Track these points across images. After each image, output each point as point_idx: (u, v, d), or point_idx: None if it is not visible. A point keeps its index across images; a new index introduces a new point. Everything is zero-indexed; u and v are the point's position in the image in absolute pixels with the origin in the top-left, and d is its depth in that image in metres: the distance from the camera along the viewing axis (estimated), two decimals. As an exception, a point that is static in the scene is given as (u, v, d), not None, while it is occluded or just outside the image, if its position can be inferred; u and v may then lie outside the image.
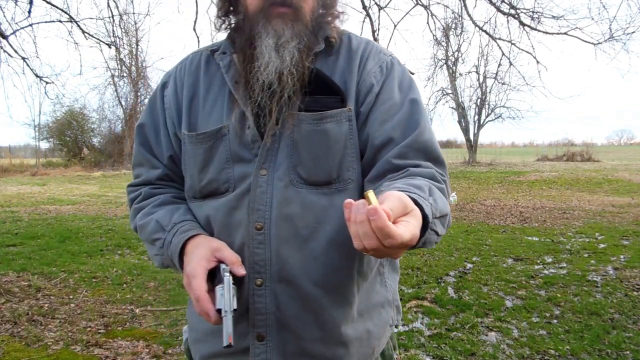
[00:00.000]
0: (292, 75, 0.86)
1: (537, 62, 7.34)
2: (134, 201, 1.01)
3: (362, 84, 0.91)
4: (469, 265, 4.91)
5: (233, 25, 0.98)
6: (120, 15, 7.97)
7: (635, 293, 3.96)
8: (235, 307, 0.78)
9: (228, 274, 0.80)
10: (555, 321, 3.38)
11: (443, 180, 0.86)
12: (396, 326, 1.05)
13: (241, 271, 0.83)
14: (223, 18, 0.98)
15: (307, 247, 0.87)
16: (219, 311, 0.78)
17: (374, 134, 0.89)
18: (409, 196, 0.68)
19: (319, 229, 0.87)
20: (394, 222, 0.61)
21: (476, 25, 7.03)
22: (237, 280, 0.83)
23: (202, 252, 0.84)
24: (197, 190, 0.94)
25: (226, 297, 0.77)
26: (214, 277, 0.83)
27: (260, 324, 0.88)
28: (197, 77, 0.98)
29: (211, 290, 0.81)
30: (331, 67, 0.93)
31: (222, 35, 1.01)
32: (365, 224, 0.59)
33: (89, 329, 3.24)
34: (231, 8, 0.96)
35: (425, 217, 0.68)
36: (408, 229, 0.61)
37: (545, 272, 4.66)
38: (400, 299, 3.75)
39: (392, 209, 0.61)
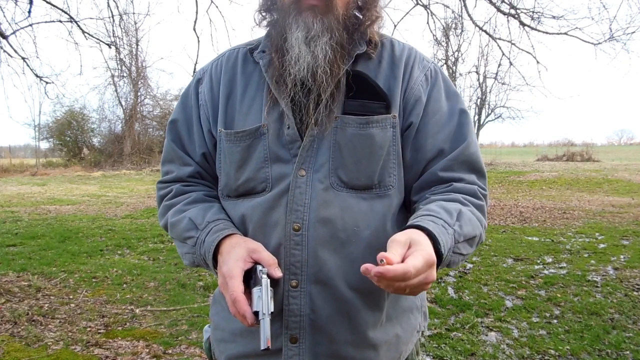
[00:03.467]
0: (327, 75, 0.86)
1: (537, 62, 7.35)
2: (164, 198, 0.99)
3: (410, 93, 0.92)
4: (469, 265, 4.91)
5: (272, 20, 0.95)
6: (120, 15, 7.97)
7: (635, 293, 3.96)
8: (272, 309, 0.77)
9: (266, 276, 0.79)
10: (555, 321, 3.38)
11: (483, 195, 0.91)
12: (422, 333, 1.05)
13: (278, 273, 0.82)
14: (264, 14, 0.96)
15: (345, 250, 0.87)
16: (255, 313, 0.76)
17: (426, 146, 0.90)
18: (427, 227, 0.76)
19: (358, 233, 0.87)
20: (404, 259, 0.70)
21: (476, 25, 7.04)
22: (272, 282, 0.82)
23: (239, 253, 0.83)
24: (232, 188, 0.93)
25: (264, 299, 0.76)
26: (248, 278, 0.81)
27: (294, 325, 0.87)
28: (234, 74, 0.97)
29: (247, 292, 0.79)
30: (373, 72, 0.92)
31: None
32: (382, 281, 0.68)
33: (89, 329, 3.24)
34: (274, 5, 0.94)
35: (438, 242, 0.75)
36: (419, 255, 0.69)
37: (545, 272, 4.66)
38: (400, 299, 3.63)
39: (395, 254, 0.69)
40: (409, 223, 0.81)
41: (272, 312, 0.76)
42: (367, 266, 0.68)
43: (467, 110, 0.95)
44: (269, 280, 0.79)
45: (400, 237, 0.73)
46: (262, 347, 0.73)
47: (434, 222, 0.79)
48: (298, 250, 0.86)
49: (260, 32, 1.00)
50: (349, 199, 0.87)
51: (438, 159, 0.91)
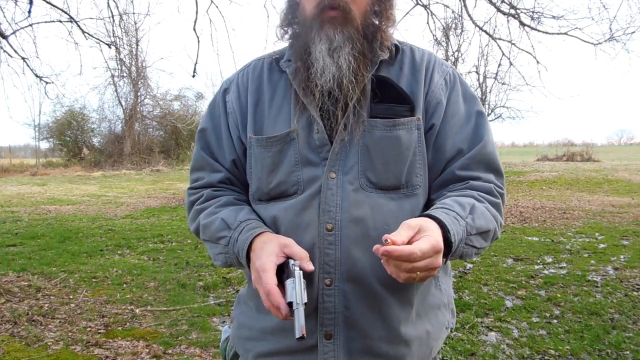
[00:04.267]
0: (352, 84, 0.90)
1: (537, 62, 7.34)
2: (195, 203, 1.01)
3: (431, 96, 0.96)
4: (469, 265, 4.91)
5: (293, 34, 1.00)
6: (120, 15, 7.96)
7: (635, 293, 3.96)
8: (305, 300, 0.78)
9: (298, 268, 0.81)
10: (555, 321, 3.38)
11: (500, 194, 0.95)
12: (451, 330, 1.07)
13: (310, 266, 0.83)
14: (285, 28, 1.01)
15: None
16: (289, 305, 0.78)
17: (445, 146, 0.95)
18: (437, 216, 0.81)
19: (389, 231, 0.89)
20: (411, 241, 0.74)
21: (476, 25, 7.04)
22: (306, 277, 0.84)
23: (271, 248, 0.85)
24: (264, 192, 0.97)
25: (297, 289, 0.78)
26: (281, 273, 0.83)
27: (329, 322, 0.90)
28: (260, 83, 1.01)
29: (280, 286, 0.81)
30: (396, 77, 0.96)
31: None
32: (390, 261, 0.74)
33: (89, 329, 3.24)
34: (295, 19, 0.99)
35: (447, 231, 0.79)
36: (426, 240, 0.74)
37: (545, 272, 4.66)
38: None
39: (401, 235, 0.74)
40: (423, 213, 0.85)
41: (305, 303, 0.78)
42: (377, 246, 0.73)
43: (484, 112, 1.00)
44: (301, 272, 0.80)
45: (411, 222, 0.77)
46: (297, 336, 0.74)
47: (446, 213, 0.83)
48: (331, 249, 0.89)
49: (280, 44, 1.04)
50: (379, 199, 0.91)
51: (457, 158, 0.95)
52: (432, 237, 0.75)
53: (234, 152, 1.00)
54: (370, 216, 0.90)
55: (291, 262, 0.83)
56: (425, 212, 0.85)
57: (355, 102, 0.91)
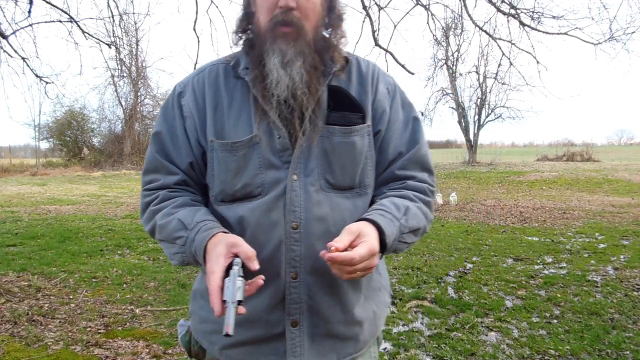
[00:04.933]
0: (306, 95, 0.97)
1: (537, 62, 7.32)
2: (151, 204, 1.04)
3: (377, 105, 1.06)
4: (469, 265, 4.91)
5: (247, 41, 1.05)
6: (120, 15, 7.96)
7: (635, 293, 3.96)
8: (240, 298, 0.81)
9: (237, 267, 0.85)
10: (555, 321, 3.38)
11: (431, 192, 1.09)
12: (390, 309, 1.15)
13: (255, 266, 0.87)
14: (240, 35, 1.06)
15: None
16: (227, 302, 0.81)
17: (388, 149, 1.06)
18: (375, 220, 0.93)
19: (345, 226, 0.97)
20: (352, 245, 0.87)
21: (476, 25, 7.02)
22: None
23: (219, 249, 0.89)
24: (229, 193, 1.01)
25: (231, 289, 0.82)
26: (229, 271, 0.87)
27: (295, 311, 0.99)
28: (217, 88, 1.04)
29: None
30: (346, 86, 1.04)
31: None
32: (334, 265, 0.86)
33: (89, 329, 3.24)
34: (249, 26, 1.05)
35: (383, 232, 0.92)
36: (364, 246, 0.87)
37: (545, 272, 4.66)
38: (400, 299, 3.75)
39: (343, 241, 0.86)
40: (363, 216, 0.97)
41: (240, 301, 0.81)
42: (323, 252, 0.86)
43: (419, 118, 1.12)
44: (237, 270, 0.84)
45: (352, 227, 0.90)
46: (223, 333, 0.77)
47: (383, 215, 0.95)
48: (297, 246, 0.97)
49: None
50: (336, 198, 1.01)
51: (397, 160, 1.07)
52: (369, 242, 0.87)
53: (191, 155, 1.03)
54: (330, 214, 0.99)
55: (234, 260, 0.86)
56: (365, 216, 0.95)
57: (311, 112, 0.98)
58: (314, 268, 0.98)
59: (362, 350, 1.08)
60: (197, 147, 1.03)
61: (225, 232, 0.94)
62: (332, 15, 1.04)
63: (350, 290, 1.03)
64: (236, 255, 0.88)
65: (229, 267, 0.86)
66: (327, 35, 1.04)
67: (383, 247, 0.92)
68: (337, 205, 1.00)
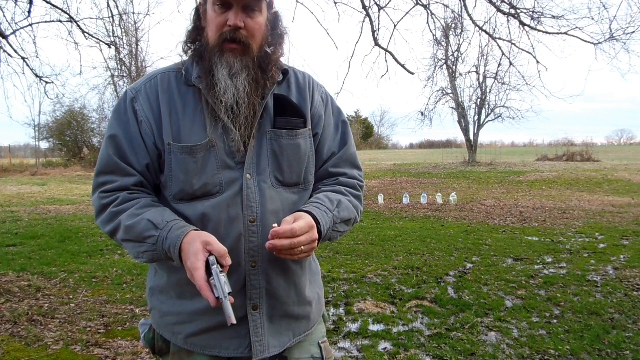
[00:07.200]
0: (246, 104, 1.08)
1: (537, 62, 7.32)
2: (111, 205, 1.08)
3: (315, 111, 1.21)
4: (469, 265, 4.91)
5: (196, 52, 1.14)
6: (120, 15, 7.95)
7: (635, 293, 3.96)
8: (229, 290, 0.92)
9: (215, 266, 0.94)
10: (555, 321, 3.38)
11: (360, 187, 1.24)
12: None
13: (228, 262, 0.97)
14: (190, 45, 1.16)
15: None
16: (219, 299, 0.92)
17: (323, 150, 1.22)
18: (311, 211, 1.06)
19: None
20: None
21: (476, 25, 7.03)
22: (234, 262, 1.00)
23: (196, 247, 0.96)
24: (189, 193, 1.09)
25: (219, 287, 0.91)
26: (208, 266, 0.96)
27: (255, 296, 1.10)
28: (171, 94, 1.12)
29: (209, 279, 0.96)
30: (287, 95, 1.17)
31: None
32: (276, 242, 0.99)
33: (89, 329, 3.24)
34: (198, 37, 1.14)
35: (318, 222, 1.05)
36: (302, 221, 1.01)
37: (545, 272, 4.66)
38: (400, 299, 3.74)
39: (284, 221, 1.02)
40: (301, 208, 1.10)
41: (230, 293, 0.92)
42: (268, 242, 0.99)
43: (347, 122, 1.28)
44: (218, 268, 0.94)
45: (288, 218, 1.04)
46: (229, 324, 0.89)
47: (319, 208, 1.09)
48: (255, 237, 1.08)
49: None
50: (285, 194, 1.14)
51: (330, 159, 1.22)
52: (305, 219, 1.02)
53: (147, 157, 1.10)
54: (281, 209, 1.12)
55: (210, 260, 0.95)
56: (302, 208, 1.08)
57: (253, 119, 1.09)
58: (271, 256, 1.07)
59: (312, 328, 1.23)
60: (153, 150, 1.10)
61: (196, 230, 1.02)
62: (274, 34, 1.16)
63: (301, 274, 1.17)
64: (210, 253, 0.96)
65: (207, 265, 0.95)
66: (270, 52, 1.15)
67: (319, 236, 1.05)
68: (287, 200, 1.13)
